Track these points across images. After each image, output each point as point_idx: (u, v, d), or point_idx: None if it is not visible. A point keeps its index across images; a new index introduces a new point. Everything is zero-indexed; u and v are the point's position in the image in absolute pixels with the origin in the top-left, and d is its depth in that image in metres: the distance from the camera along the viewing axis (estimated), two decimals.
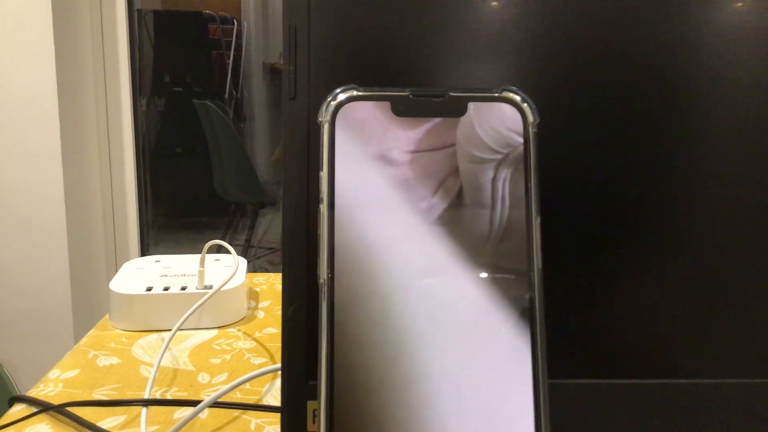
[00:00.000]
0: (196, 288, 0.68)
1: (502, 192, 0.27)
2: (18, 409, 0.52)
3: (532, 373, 0.26)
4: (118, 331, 0.67)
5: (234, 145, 2.60)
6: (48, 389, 0.55)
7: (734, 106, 0.35)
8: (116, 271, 0.72)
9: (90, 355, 0.61)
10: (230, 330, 0.67)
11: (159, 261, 0.76)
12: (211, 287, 0.68)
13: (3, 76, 1.49)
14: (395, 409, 0.25)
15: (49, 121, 1.51)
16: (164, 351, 0.57)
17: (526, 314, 0.26)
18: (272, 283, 0.82)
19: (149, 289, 0.67)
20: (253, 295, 0.77)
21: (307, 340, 0.33)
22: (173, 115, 3.04)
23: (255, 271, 0.86)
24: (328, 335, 0.25)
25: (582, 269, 0.36)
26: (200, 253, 0.70)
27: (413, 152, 0.27)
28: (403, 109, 0.27)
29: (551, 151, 0.34)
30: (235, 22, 3.18)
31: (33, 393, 0.54)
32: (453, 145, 0.27)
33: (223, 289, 0.67)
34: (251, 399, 0.54)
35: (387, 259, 0.26)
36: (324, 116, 0.27)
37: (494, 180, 0.27)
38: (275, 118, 3.44)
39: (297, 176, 0.33)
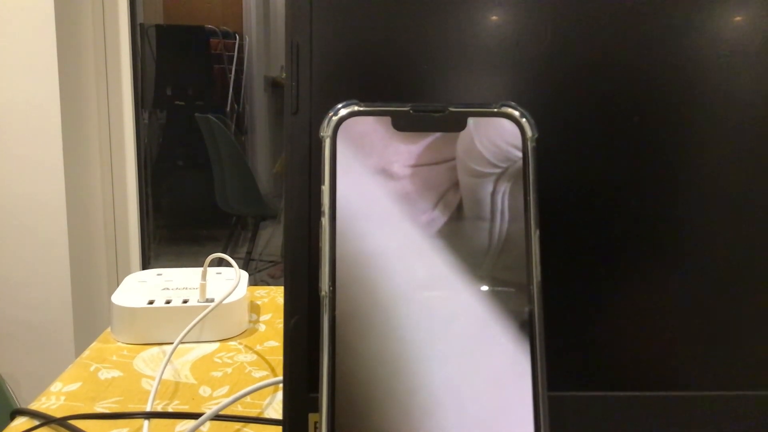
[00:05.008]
0: (198, 301, 0.68)
1: (502, 205, 0.27)
2: (20, 422, 0.52)
3: (531, 386, 0.26)
4: (119, 344, 0.67)
5: (235, 158, 2.61)
6: (50, 402, 0.55)
7: (733, 120, 0.36)
8: (117, 284, 0.73)
9: (92, 368, 0.61)
10: (231, 343, 0.68)
11: (161, 274, 0.76)
12: (212, 300, 0.68)
13: (6, 89, 1.50)
14: (396, 422, 0.25)
15: (52, 134, 1.52)
16: (166, 364, 0.57)
17: (526, 327, 0.26)
18: (273, 296, 0.82)
19: (151, 302, 0.67)
20: (254, 308, 0.77)
21: (308, 352, 0.33)
22: (175, 128, 3.06)
23: (256, 284, 0.86)
24: (329, 348, 0.26)
25: (581, 282, 0.36)
26: (202, 266, 0.70)
27: (414, 166, 0.27)
28: (403, 124, 0.28)
29: (550, 165, 0.35)
30: (237, 37, 3.19)
31: (35, 406, 0.54)
32: (453, 159, 0.28)
33: (224, 302, 0.67)
34: (253, 412, 0.54)
35: (388, 272, 0.26)
36: (325, 131, 0.28)
37: (494, 194, 0.27)
38: (276, 132, 3.45)
39: (299, 190, 0.33)
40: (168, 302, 0.67)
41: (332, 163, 0.27)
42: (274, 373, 0.61)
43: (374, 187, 0.27)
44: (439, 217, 0.27)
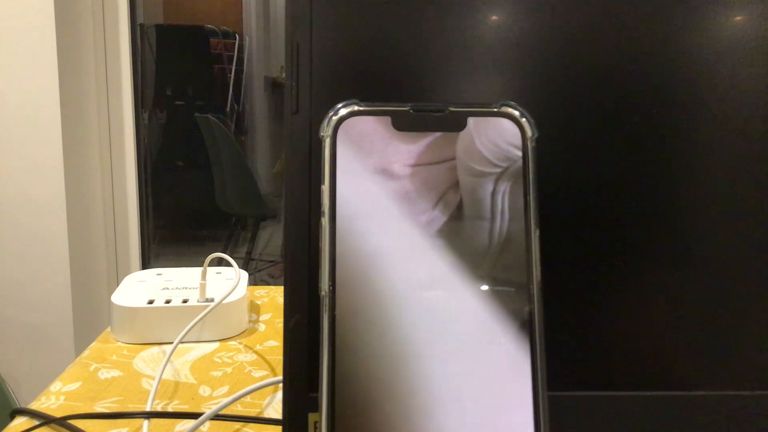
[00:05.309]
0: (198, 301, 0.68)
1: (502, 205, 0.27)
2: (20, 422, 0.52)
3: (531, 386, 0.26)
4: (119, 343, 0.67)
5: (235, 158, 2.61)
6: (50, 402, 0.55)
7: (734, 119, 0.36)
8: (117, 284, 0.73)
9: (91, 368, 0.61)
10: (231, 343, 0.68)
11: (161, 274, 0.76)
12: (212, 300, 0.68)
13: (6, 90, 1.50)
14: (396, 421, 0.25)
15: (52, 134, 1.52)
16: (166, 364, 0.57)
17: (526, 326, 0.26)
18: (273, 295, 0.82)
19: (151, 302, 0.67)
20: (254, 308, 0.77)
21: (308, 352, 0.33)
22: (175, 128, 3.06)
23: (256, 284, 0.86)
24: (329, 347, 0.26)
25: (581, 282, 0.36)
26: (201, 265, 0.70)
27: (414, 166, 0.27)
28: (403, 124, 0.28)
29: (550, 164, 0.35)
30: (237, 37, 3.19)
31: (35, 406, 0.54)
32: (453, 158, 0.28)
33: (224, 302, 0.67)
34: (252, 412, 0.54)
35: (388, 272, 0.26)
36: (325, 131, 0.28)
37: (494, 193, 0.27)
38: (276, 131, 3.45)
39: (299, 190, 0.33)
40: (168, 302, 0.67)
41: (332, 162, 0.27)
42: (273, 372, 0.61)
43: (374, 187, 0.27)
44: (439, 217, 0.27)
